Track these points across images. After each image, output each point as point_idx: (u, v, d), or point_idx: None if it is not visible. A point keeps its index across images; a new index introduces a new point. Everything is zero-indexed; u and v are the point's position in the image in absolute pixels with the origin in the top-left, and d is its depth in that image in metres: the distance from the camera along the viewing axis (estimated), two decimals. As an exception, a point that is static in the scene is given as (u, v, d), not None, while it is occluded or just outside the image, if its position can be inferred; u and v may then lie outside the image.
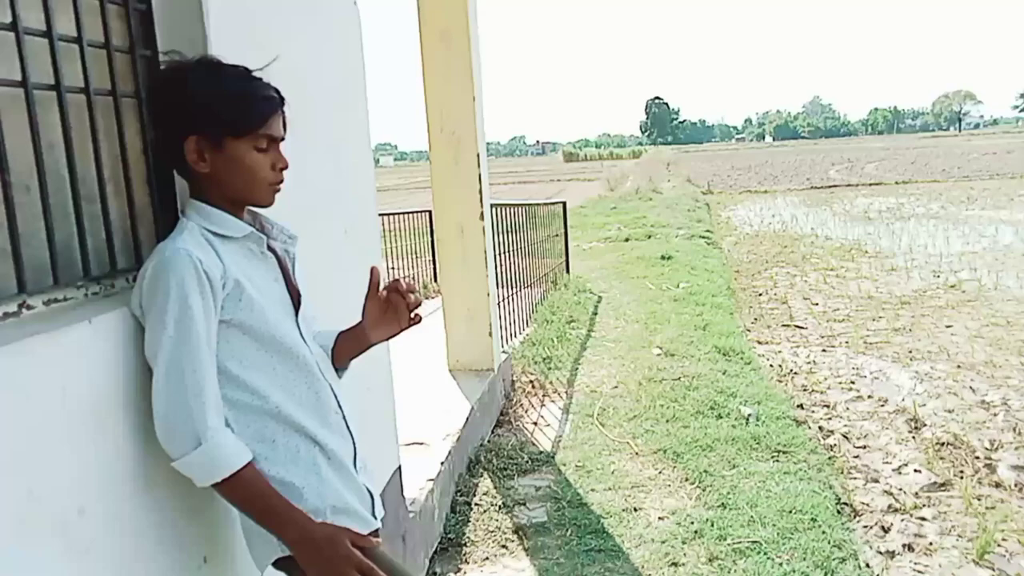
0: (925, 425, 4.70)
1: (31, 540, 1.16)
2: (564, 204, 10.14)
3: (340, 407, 1.60)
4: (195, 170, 1.44)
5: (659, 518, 3.58)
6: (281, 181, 1.53)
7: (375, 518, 1.62)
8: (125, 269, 1.57)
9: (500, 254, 6.08)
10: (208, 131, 1.42)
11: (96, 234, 1.50)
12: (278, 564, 1.49)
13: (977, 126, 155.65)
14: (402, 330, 1.66)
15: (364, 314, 1.67)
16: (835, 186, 26.05)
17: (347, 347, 1.72)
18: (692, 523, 3.48)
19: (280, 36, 2.09)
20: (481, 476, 4.08)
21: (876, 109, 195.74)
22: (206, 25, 1.67)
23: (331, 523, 1.46)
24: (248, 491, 1.39)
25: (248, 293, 1.43)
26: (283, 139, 1.52)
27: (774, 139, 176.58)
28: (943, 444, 4.40)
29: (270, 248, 1.56)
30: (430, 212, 8.27)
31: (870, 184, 25.94)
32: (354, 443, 1.61)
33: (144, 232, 1.64)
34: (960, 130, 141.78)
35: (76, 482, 1.25)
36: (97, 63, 1.51)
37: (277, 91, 1.50)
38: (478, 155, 5.06)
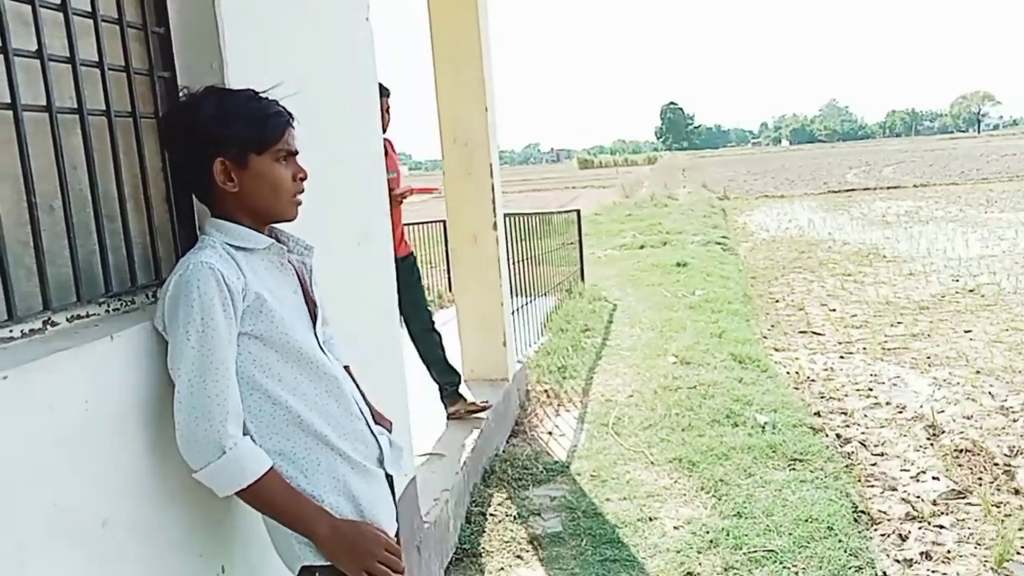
0: (943, 432, 4.66)
1: (57, 551, 1.19)
2: (578, 212, 10.17)
3: (362, 412, 1.63)
4: (224, 190, 1.49)
5: (674, 528, 3.58)
6: (302, 191, 1.59)
7: (397, 522, 1.68)
8: (145, 285, 1.61)
9: (514, 263, 6.10)
10: (232, 152, 1.48)
11: (117, 251, 1.55)
12: (301, 573, 1.51)
13: (996, 127, 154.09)
14: None
15: None
16: (852, 190, 25.87)
17: None
18: (707, 532, 3.48)
19: (295, 54, 2.13)
20: (496, 486, 4.10)
21: (894, 111, 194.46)
22: (222, 47, 1.71)
23: (356, 521, 1.51)
24: (274, 495, 1.43)
25: (269, 305, 1.47)
26: (298, 152, 1.58)
27: (790, 143, 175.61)
28: (962, 451, 4.36)
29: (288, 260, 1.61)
30: (444, 222, 8.32)
31: (888, 187, 25.75)
32: (379, 443, 1.65)
33: (163, 248, 1.69)
34: (979, 131, 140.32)
35: (100, 494, 1.29)
36: (117, 86, 1.55)
37: (284, 108, 1.56)
38: (491, 165, 5.10)
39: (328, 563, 1.48)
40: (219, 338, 1.38)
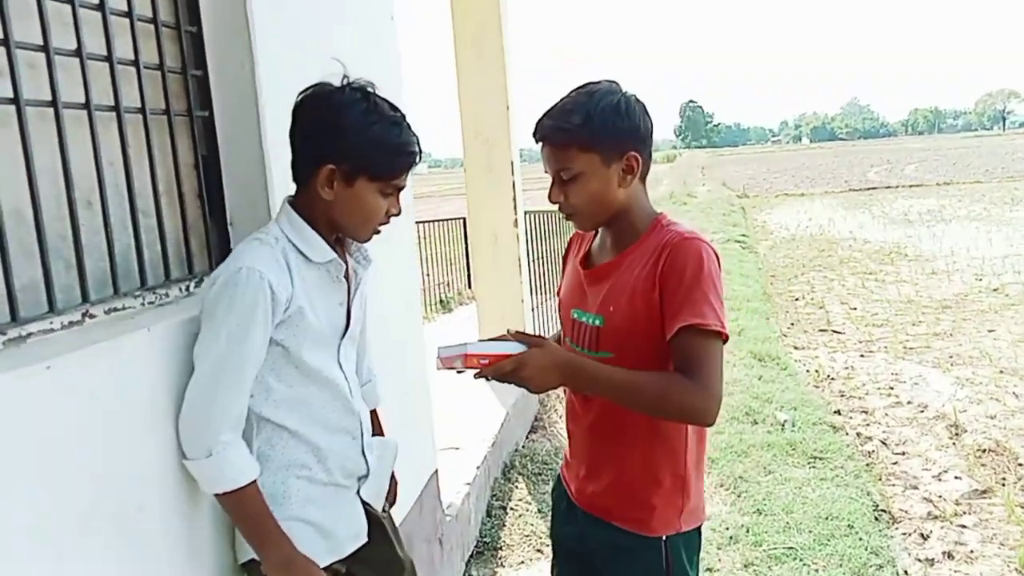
0: (966, 431, 4.63)
1: (95, 535, 1.23)
2: (598, 210, 10.13)
3: (363, 433, 1.65)
4: (317, 192, 1.47)
5: (694, 523, 3.58)
6: (387, 224, 1.56)
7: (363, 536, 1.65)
8: (179, 279, 1.65)
9: (534, 260, 6.12)
10: (347, 166, 1.44)
11: (152, 246, 1.58)
12: (246, 565, 1.54)
13: (1022, 125, 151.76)
14: None
15: None
16: (874, 188, 25.65)
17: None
18: (727, 529, 3.49)
19: (323, 52, 2.16)
20: (516, 481, 4.12)
21: (916, 109, 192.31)
22: (253, 45, 1.75)
23: (311, 561, 1.48)
24: (245, 508, 1.43)
25: (308, 320, 1.47)
26: (404, 188, 1.54)
27: (811, 141, 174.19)
28: (984, 451, 4.33)
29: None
30: (464, 219, 8.35)
31: (910, 186, 25.50)
32: (367, 465, 1.66)
33: (196, 244, 1.73)
34: (1004, 129, 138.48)
35: (135, 481, 1.32)
36: (152, 84, 1.59)
37: (419, 142, 1.52)
38: (512, 163, 5.12)
39: None
40: (248, 348, 1.39)
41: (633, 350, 1.51)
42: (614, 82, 1.55)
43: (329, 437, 1.56)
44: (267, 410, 1.49)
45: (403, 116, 1.50)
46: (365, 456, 1.65)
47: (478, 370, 1.43)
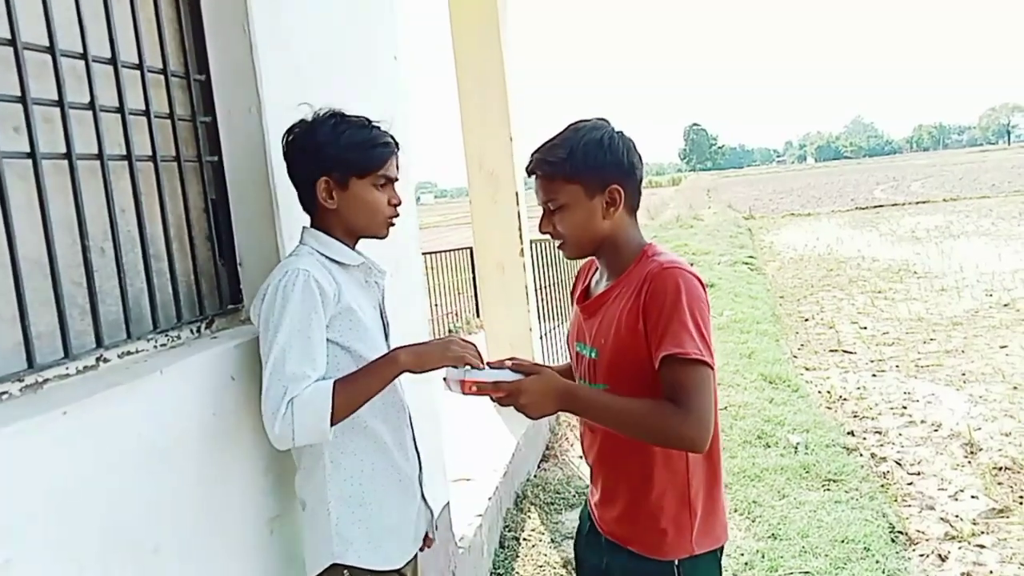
0: (981, 449, 4.59)
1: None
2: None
3: (412, 429, 1.77)
4: (324, 206, 1.62)
5: (709, 550, 3.56)
6: (396, 215, 1.71)
7: (431, 535, 1.81)
8: (190, 320, 1.68)
9: (541, 289, 6.14)
10: (336, 173, 1.61)
11: (164, 289, 1.62)
12: (331, 570, 1.60)
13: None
14: None
15: None
16: (880, 206, 25.61)
17: None
18: (742, 554, 3.46)
19: (329, 94, 2.21)
20: (528, 511, 4.11)
21: (920, 126, 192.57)
22: (260, 91, 1.80)
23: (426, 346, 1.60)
24: (356, 400, 1.50)
25: (359, 318, 1.60)
26: (397, 179, 1.70)
27: (816, 160, 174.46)
28: (1001, 469, 4.29)
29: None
30: (471, 249, 8.38)
31: (917, 202, 25.45)
32: (420, 464, 1.78)
33: (206, 286, 1.76)
34: (1009, 143, 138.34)
35: (151, 522, 1.34)
36: (163, 132, 1.64)
37: (392, 137, 1.68)
38: (516, 193, 5.17)
39: (359, 566, 1.58)
40: (312, 330, 1.49)
41: (625, 381, 1.56)
42: (603, 119, 1.65)
43: (392, 433, 1.67)
44: None
45: (370, 121, 1.66)
46: (416, 448, 1.77)
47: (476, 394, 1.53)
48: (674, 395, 1.47)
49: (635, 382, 1.54)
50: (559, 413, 1.79)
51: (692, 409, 1.46)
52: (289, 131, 1.67)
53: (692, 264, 1.62)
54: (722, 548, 1.69)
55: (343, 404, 1.47)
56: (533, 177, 1.65)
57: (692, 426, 1.46)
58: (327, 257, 1.61)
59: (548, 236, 1.66)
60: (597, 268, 1.75)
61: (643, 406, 1.50)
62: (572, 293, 1.87)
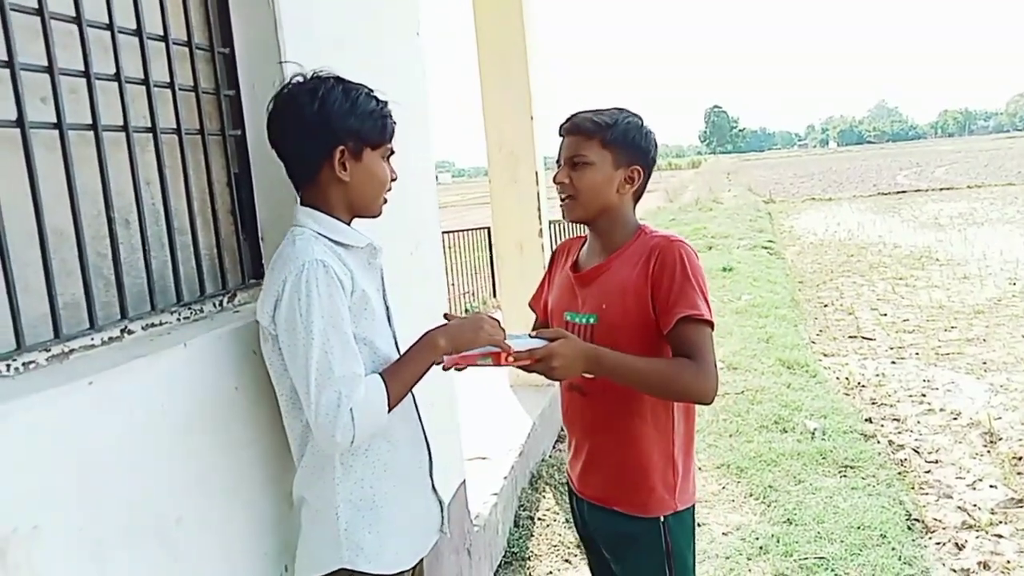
0: (1001, 439, 4.55)
1: (136, 548, 1.26)
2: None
3: (420, 418, 1.70)
4: (334, 179, 1.52)
5: (723, 533, 3.57)
6: (390, 191, 1.64)
7: (443, 530, 1.73)
8: (212, 294, 1.69)
9: (559, 269, 6.12)
10: (351, 143, 1.52)
11: (187, 262, 1.62)
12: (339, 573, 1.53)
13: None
14: None
15: None
16: (903, 192, 25.29)
17: None
18: (757, 539, 3.46)
19: (351, 69, 2.20)
20: (543, 491, 4.13)
21: (946, 111, 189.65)
22: (283, 65, 1.79)
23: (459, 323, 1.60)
24: (405, 386, 1.49)
25: (372, 304, 1.52)
26: (394, 153, 1.65)
27: (838, 145, 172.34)
28: (1020, 458, 4.25)
29: None
30: (489, 228, 8.38)
31: (940, 189, 25.11)
32: (430, 453, 1.71)
33: (229, 259, 1.77)
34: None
35: (174, 493, 1.36)
36: (187, 105, 1.64)
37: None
38: (536, 173, 5.14)
39: (371, 572, 1.51)
40: (344, 323, 1.40)
41: (624, 343, 1.67)
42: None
43: (404, 426, 1.61)
44: None
45: (371, 89, 1.58)
46: (426, 437, 1.70)
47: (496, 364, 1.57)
48: (689, 352, 1.63)
49: (632, 345, 1.67)
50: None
51: (705, 364, 1.63)
52: (289, 95, 1.52)
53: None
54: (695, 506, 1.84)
55: (395, 397, 1.45)
56: (563, 136, 1.77)
57: (708, 379, 1.63)
58: (332, 240, 1.50)
59: (559, 187, 1.77)
60: (583, 245, 1.89)
61: (665, 363, 1.65)
62: (549, 270, 2.02)
